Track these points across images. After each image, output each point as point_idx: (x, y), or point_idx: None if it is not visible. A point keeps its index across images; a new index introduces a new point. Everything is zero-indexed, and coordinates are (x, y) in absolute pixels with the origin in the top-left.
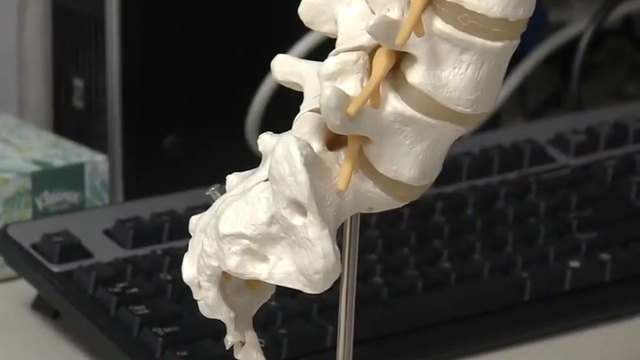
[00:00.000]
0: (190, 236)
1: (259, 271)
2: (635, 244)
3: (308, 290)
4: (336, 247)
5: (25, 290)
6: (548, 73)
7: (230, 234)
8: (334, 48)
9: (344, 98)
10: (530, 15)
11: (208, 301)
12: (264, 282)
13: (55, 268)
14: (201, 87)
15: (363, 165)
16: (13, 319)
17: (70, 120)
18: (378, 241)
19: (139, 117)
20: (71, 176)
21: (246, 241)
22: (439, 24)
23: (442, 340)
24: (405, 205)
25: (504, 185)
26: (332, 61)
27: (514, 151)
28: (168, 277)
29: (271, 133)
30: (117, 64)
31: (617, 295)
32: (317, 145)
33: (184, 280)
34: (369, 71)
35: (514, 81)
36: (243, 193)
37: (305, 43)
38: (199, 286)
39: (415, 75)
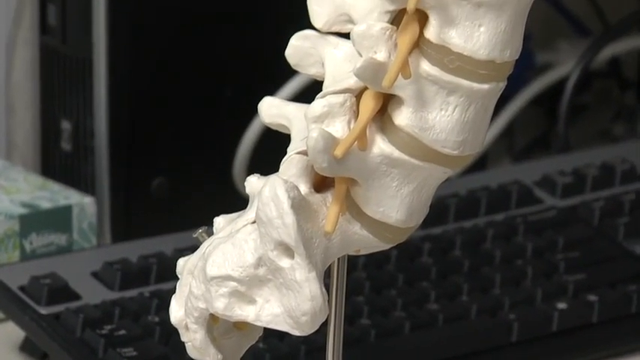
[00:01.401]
0: (178, 278)
1: (247, 313)
2: (622, 285)
3: (295, 332)
4: (324, 289)
5: (13, 332)
6: (535, 115)
7: (217, 276)
8: (321, 90)
9: (331, 140)
10: (517, 57)
11: (196, 343)
12: (252, 324)
13: (43, 310)
14: (189, 129)
15: (351, 207)
16: None
17: (58, 162)
18: (365, 283)
19: (126, 159)
20: (59, 218)
21: (234, 284)
22: (426, 66)
23: None
24: (392, 247)
25: (491, 227)
26: (319, 104)
27: (501, 193)
28: (156, 319)
29: (258, 175)
30: (104, 107)
31: (604, 337)
32: (304, 188)
33: (172, 322)
34: (356, 113)
35: (501, 122)
36: (231, 236)
37: (292, 86)
38: (187, 328)
39: (402, 117)
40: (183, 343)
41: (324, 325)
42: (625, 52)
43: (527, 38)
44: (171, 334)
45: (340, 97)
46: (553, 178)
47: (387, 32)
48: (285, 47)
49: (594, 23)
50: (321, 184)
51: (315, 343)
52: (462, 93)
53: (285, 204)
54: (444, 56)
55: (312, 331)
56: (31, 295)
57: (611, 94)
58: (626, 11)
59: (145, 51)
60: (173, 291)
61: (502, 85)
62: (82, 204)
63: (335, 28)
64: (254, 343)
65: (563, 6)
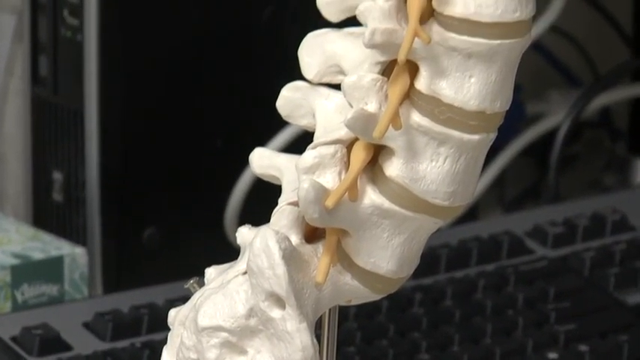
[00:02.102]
0: (169, 329)
1: None
2: (613, 335)
3: None
4: (315, 340)
5: None
6: (526, 165)
7: (209, 327)
8: (312, 141)
9: (322, 191)
10: (507, 108)
11: None
12: None
13: None
14: (180, 180)
15: (341, 258)
16: None
17: (50, 213)
18: (356, 333)
19: (118, 210)
20: (50, 269)
21: (225, 334)
22: (416, 117)
23: None
24: (383, 297)
25: (482, 277)
26: (310, 155)
27: (492, 243)
28: None
29: (250, 226)
30: (96, 157)
31: None
32: (295, 238)
33: None
34: (347, 164)
35: (492, 173)
36: (222, 286)
37: (283, 137)
38: None
39: (393, 168)
40: None
41: None
42: (615, 102)
43: (517, 89)
44: None
45: (331, 148)
46: (544, 229)
47: (378, 83)
48: (276, 98)
49: (585, 73)
50: (312, 234)
51: None
52: (452, 144)
53: (277, 255)
54: (435, 107)
55: None
56: (22, 345)
57: (602, 143)
58: (616, 61)
59: (136, 102)
60: (164, 342)
61: (492, 136)
62: (74, 254)
63: (326, 79)
64: None
65: (553, 56)
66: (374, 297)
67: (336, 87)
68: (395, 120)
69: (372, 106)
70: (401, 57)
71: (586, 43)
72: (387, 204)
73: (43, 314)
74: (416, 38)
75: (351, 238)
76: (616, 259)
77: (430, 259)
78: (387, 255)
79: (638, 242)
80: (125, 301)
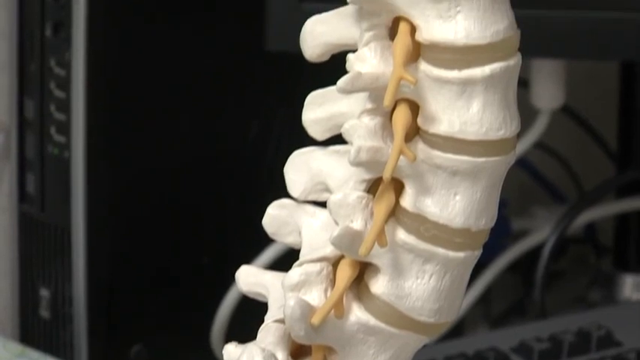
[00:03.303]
0: None
1: None
2: None
3: None
4: None
5: None
6: (511, 281)
7: None
8: (298, 259)
9: (308, 309)
10: (493, 225)
11: None
12: None
13: None
14: (167, 296)
15: None
16: None
17: (37, 329)
18: None
19: (105, 327)
20: None
21: None
22: (402, 234)
23: None
24: None
25: None
26: (296, 272)
27: (478, 359)
28: None
29: (236, 343)
30: (83, 275)
31: None
32: (281, 356)
33: None
34: (332, 282)
35: (478, 289)
36: None
37: (269, 254)
38: None
39: (378, 285)
40: None
41: None
42: (601, 219)
43: (503, 204)
44: None
45: (317, 266)
46: (530, 344)
47: (364, 201)
48: (262, 216)
49: (570, 190)
50: (299, 351)
51: None
52: (437, 261)
53: None
54: (420, 225)
55: None
56: None
57: (588, 260)
58: (601, 177)
59: (122, 219)
60: None
61: (478, 253)
62: None
63: (312, 197)
64: None
65: (538, 173)
66: None
67: (322, 205)
68: (380, 238)
69: (357, 224)
70: (386, 175)
71: (571, 159)
72: (372, 321)
73: None
74: (401, 156)
75: (338, 354)
76: None
77: None
78: None
79: (623, 358)
80: None
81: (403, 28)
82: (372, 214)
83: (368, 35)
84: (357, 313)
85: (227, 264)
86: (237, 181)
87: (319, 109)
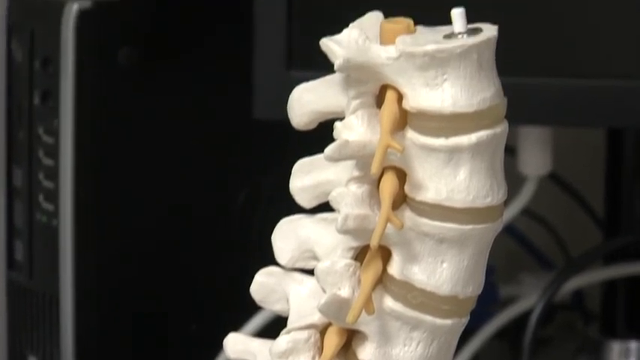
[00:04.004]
0: None
1: None
2: None
3: None
4: None
5: None
6: (499, 348)
7: None
8: (286, 326)
9: None
10: (480, 292)
11: None
12: None
13: None
14: None
15: None
16: None
17: None
18: None
19: None
20: None
21: None
22: (389, 302)
23: None
24: None
25: None
26: (283, 340)
27: None
28: None
29: None
30: (71, 342)
31: None
32: None
33: None
34: (320, 349)
35: (465, 356)
36: None
37: (257, 321)
38: None
39: (366, 352)
40: None
41: None
42: (588, 285)
43: (490, 271)
44: None
45: (304, 333)
46: None
47: (351, 269)
48: (250, 283)
49: (557, 256)
50: None
51: None
52: (425, 328)
53: None
54: (407, 292)
55: None
56: None
57: (575, 326)
58: (588, 244)
59: (110, 289)
60: None
61: (465, 320)
62: None
63: (299, 265)
64: None
65: (526, 239)
66: None
67: (310, 272)
68: (368, 305)
69: (345, 292)
70: (373, 243)
71: (558, 225)
72: None
73: None
74: (388, 224)
75: None
76: None
77: None
78: None
79: None
80: None
81: (390, 95)
82: (359, 281)
83: (355, 103)
84: None
85: (215, 331)
86: (225, 248)
87: (307, 177)
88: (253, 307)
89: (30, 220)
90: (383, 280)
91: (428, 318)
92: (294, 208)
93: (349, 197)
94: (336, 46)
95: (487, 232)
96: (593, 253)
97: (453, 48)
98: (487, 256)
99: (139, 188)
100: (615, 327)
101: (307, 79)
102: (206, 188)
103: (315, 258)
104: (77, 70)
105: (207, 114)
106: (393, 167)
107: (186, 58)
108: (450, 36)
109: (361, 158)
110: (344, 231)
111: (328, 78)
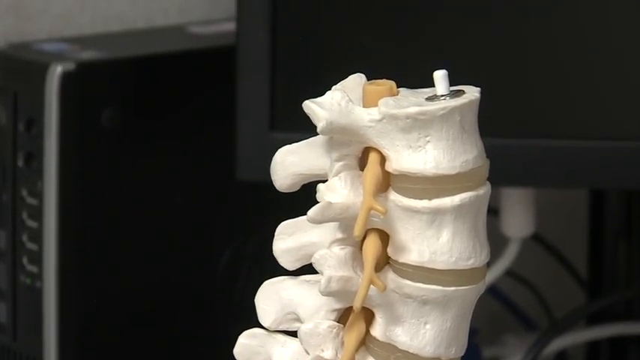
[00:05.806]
0: None
1: None
2: None
3: None
4: None
5: None
6: None
7: None
8: None
9: None
10: (463, 354)
11: None
12: None
13: None
14: None
15: None
16: None
17: None
18: None
19: None
20: None
21: None
22: None
23: None
24: None
25: None
26: None
27: None
28: None
29: None
30: None
31: None
32: None
33: None
34: None
35: None
36: None
37: None
38: None
39: None
40: None
41: None
42: (572, 346)
43: (473, 332)
44: None
45: None
46: None
47: (334, 330)
48: (234, 345)
49: (541, 317)
50: None
51: None
52: None
53: None
54: (391, 354)
55: None
56: None
57: None
58: (571, 305)
59: (94, 351)
60: None
61: None
62: None
63: (283, 327)
64: None
65: (509, 300)
66: None
67: (293, 334)
68: None
69: (328, 354)
70: (356, 305)
71: (541, 287)
72: None
73: None
74: (371, 285)
75: None
76: None
77: None
78: None
79: None
80: None
81: (373, 158)
82: (342, 343)
83: (338, 165)
84: None
85: None
86: (208, 310)
87: (290, 239)
88: None
89: (14, 282)
90: (366, 342)
91: None
92: (277, 269)
93: (332, 259)
94: (318, 108)
95: (470, 293)
96: (577, 313)
97: (435, 110)
98: (470, 318)
99: (123, 250)
100: None
101: (290, 141)
102: (189, 249)
103: (299, 320)
104: (61, 132)
105: (191, 175)
106: (375, 229)
107: (170, 120)
108: (432, 98)
109: (344, 220)
110: (327, 293)
111: (311, 140)
